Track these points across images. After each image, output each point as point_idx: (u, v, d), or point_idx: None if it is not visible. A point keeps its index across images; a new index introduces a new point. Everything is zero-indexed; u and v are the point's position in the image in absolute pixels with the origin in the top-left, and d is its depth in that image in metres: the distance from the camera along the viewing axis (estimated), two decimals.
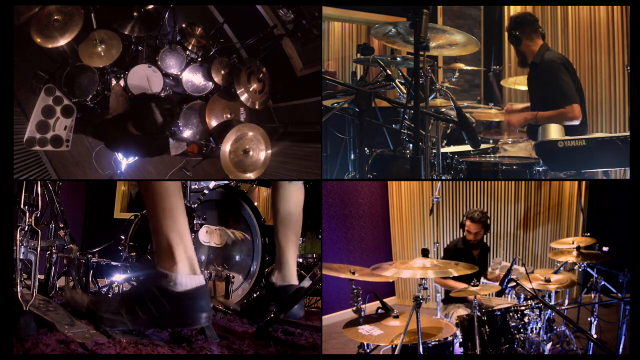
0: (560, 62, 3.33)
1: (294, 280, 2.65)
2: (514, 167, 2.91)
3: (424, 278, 2.43)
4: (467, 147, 3.12)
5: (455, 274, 2.33)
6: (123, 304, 1.97)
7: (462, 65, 4.34)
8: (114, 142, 3.20)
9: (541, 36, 3.48)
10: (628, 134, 2.36)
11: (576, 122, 3.23)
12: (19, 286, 1.81)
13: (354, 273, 2.63)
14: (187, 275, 1.99)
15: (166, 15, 3.45)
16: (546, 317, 2.90)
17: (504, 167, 2.89)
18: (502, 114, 3.68)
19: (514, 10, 5.30)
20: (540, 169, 2.85)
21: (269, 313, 2.23)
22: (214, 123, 3.54)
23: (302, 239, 3.81)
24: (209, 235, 3.17)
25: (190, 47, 3.49)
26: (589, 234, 3.49)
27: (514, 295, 3.28)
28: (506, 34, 3.62)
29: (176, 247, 2.00)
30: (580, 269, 3.37)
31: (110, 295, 2.98)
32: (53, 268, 2.84)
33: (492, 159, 3.06)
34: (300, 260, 3.70)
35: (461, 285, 3.04)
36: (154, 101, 3.06)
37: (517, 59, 3.62)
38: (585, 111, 3.38)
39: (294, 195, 2.72)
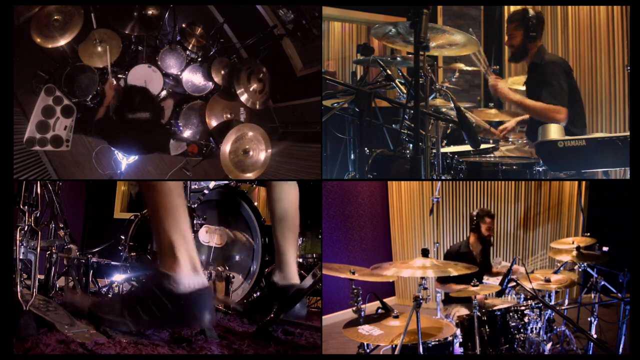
0: (560, 65, 3.31)
1: (296, 280, 2.64)
2: (514, 167, 2.91)
3: (424, 278, 2.43)
4: (467, 147, 3.12)
5: (455, 273, 2.32)
6: (125, 306, 1.96)
7: (462, 66, 4.34)
8: (115, 137, 3.20)
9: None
10: (628, 134, 2.35)
11: (560, 124, 3.19)
12: (19, 286, 1.80)
13: (354, 273, 2.63)
14: (190, 275, 1.98)
15: (166, 15, 3.45)
16: (546, 317, 2.90)
17: (504, 167, 2.89)
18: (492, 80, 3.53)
19: (514, 10, 5.28)
20: (540, 169, 2.85)
21: (270, 313, 2.22)
22: (214, 123, 3.54)
23: (302, 239, 3.81)
24: (209, 235, 3.17)
25: (190, 47, 3.49)
26: (589, 234, 3.49)
27: (514, 295, 3.28)
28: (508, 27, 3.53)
29: (178, 247, 1.99)
30: (580, 269, 3.36)
31: (110, 297, 2.97)
32: (53, 268, 2.84)
33: (492, 159, 3.06)
34: (300, 260, 3.70)
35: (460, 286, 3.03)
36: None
37: (510, 53, 3.50)
38: (585, 114, 3.36)
39: (288, 194, 2.72)
